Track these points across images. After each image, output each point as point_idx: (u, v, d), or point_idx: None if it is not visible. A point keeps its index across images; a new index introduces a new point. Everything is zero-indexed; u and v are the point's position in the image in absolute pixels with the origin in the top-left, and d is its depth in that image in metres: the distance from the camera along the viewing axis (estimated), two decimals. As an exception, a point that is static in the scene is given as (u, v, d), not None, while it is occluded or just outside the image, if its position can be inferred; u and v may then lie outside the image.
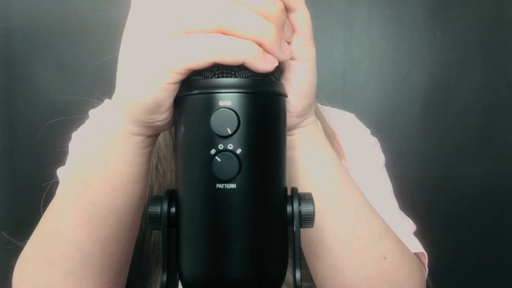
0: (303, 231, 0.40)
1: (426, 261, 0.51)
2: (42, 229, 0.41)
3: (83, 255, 0.38)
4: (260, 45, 0.27)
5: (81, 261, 0.38)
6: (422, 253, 0.51)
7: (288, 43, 0.31)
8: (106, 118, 0.35)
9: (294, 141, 0.37)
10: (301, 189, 0.38)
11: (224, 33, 0.27)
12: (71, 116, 0.59)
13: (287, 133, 0.34)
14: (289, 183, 0.38)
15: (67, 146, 0.59)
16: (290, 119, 0.35)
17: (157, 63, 0.28)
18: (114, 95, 0.33)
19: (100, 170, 0.36)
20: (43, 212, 0.41)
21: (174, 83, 0.28)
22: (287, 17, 0.31)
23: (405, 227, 0.52)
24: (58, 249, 0.38)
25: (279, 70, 0.32)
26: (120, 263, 0.41)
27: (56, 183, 0.55)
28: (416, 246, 0.50)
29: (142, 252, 0.51)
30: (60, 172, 0.56)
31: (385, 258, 0.42)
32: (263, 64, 0.27)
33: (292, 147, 0.38)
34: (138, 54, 0.29)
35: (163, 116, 0.31)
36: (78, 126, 0.60)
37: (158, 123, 0.32)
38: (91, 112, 0.61)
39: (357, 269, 0.41)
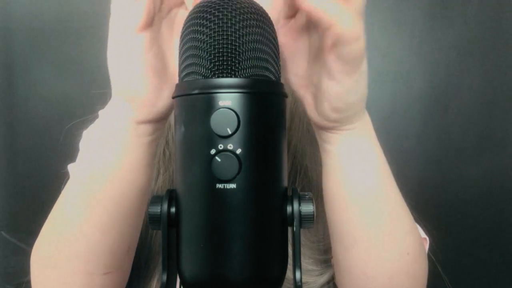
0: (331, 217, 0.41)
1: (427, 246, 0.53)
2: (53, 214, 0.43)
3: (86, 239, 0.40)
4: None
5: (84, 245, 0.40)
6: (424, 238, 0.53)
7: None
8: (108, 110, 0.37)
9: (333, 138, 0.38)
10: (343, 186, 0.39)
11: None
12: (73, 117, 0.60)
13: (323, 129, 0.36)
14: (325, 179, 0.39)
15: (77, 144, 0.60)
16: (323, 123, 0.37)
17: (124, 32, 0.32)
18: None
19: (101, 159, 0.38)
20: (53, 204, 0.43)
21: (147, 46, 0.32)
22: None
23: None
24: (64, 233, 0.41)
25: (280, 69, 0.32)
26: (122, 250, 0.42)
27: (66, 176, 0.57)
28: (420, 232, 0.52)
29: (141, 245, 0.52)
30: (71, 167, 0.59)
31: (408, 254, 0.42)
32: None
33: (331, 142, 0.38)
34: (111, 49, 0.34)
35: (161, 102, 0.34)
36: (88, 125, 0.61)
37: (156, 109, 0.35)
38: (101, 112, 0.62)
39: (381, 263, 0.41)
